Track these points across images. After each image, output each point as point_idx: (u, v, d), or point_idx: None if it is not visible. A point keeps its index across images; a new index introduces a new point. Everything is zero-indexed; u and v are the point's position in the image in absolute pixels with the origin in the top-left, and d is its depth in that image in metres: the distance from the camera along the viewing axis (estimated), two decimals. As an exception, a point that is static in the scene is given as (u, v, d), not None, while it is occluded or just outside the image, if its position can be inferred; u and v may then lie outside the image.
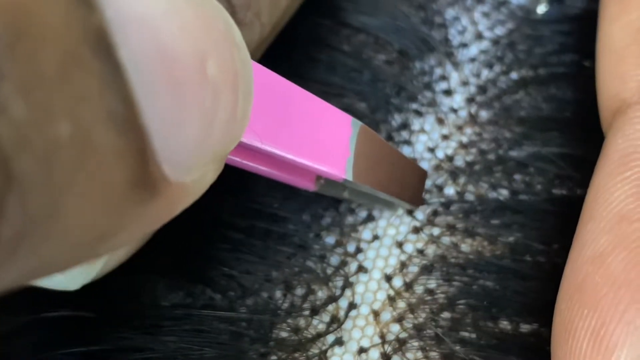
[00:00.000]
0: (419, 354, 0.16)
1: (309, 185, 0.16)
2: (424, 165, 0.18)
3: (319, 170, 0.14)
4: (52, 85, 0.08)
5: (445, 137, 0.19)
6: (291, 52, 0.19)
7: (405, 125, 0.19)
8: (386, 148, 0.16)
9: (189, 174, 0.10)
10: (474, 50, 0.20)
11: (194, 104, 0.10)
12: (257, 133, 0.13)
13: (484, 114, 0.19)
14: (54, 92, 0.08)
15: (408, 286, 0.17)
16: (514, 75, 0.19)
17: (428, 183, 0.18)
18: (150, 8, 0.09)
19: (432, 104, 0.19)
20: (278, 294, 0.17)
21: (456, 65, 0.20)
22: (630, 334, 0.13)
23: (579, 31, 0.20)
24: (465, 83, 0.19)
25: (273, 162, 0.15)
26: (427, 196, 0.18)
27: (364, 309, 0.17)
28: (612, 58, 0.16)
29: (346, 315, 0.17)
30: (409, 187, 0.17)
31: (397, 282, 0.17)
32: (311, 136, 0.14)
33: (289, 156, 0.14)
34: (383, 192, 0.16)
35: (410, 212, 0.18)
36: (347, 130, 0.15)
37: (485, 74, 0.20)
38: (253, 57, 0.17)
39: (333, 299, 0.17)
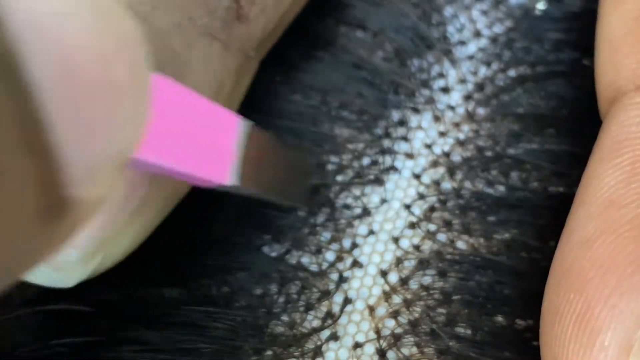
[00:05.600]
0: (414, 350, 0.16)
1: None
2: (421, 161, 0.18)
3: (201, 178, 0.14)
4: None
5: (442, 134, 0.19)
6: (289, 49, 0.19)
7: (402, 122, 0.19)
8: (274, 149, 0.16)
9: (95, 187, 0.10)
10: (472, 48, 0.20)
11: (99, 112, 0.09)
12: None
13: (481, 111, 0.19)
14: None
15: (403, 282, 0.17)
16: (511, 72, 0.19)
17: (426, 179, 0.18)
18: (54, 7, 0.09)
19: (430, 101, 0.19)
20: (273, 289, 0.17)
21: (454, 62, 0.20)
22: (615, 317, 0.13)
23: (577, 29, 0.20)
24: (462, 81, 0.19)
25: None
26: (424, 192, 0.18)
27: (359, 304, 0.17)
28: (608, 48, 0.16)
29: (341, 311, 0.17)
30: (295, 187, 0.17)
31: (393, 277, 0.17)
32: (192, 141, 0.13)
33: (167, 165, 0.13)
34: (268, 195, 0.16)
35: (407, 207, 0.18)
36: (233, 132, 0.14)
37: (483, 71, 0.20)
38: (259, 53, 0.17)
39: (328, 294, 0.17)
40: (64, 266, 0.15)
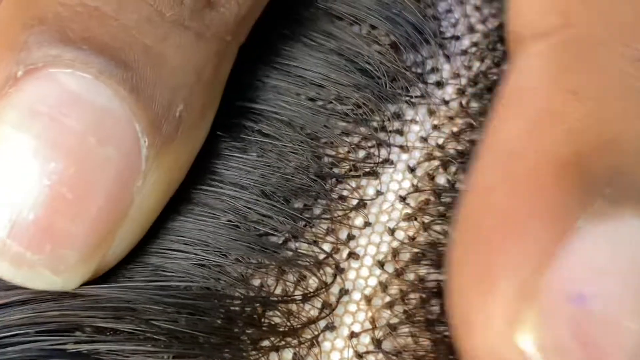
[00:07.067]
0: (410, 340, 0.16)
1: None
2: (416, 154, 0.19)
3: None
4: None
5: (436, 127, 0.19)
6: (285, 42, 0.20)
7: (397, 115, 0.19)
8: None
9: None
10: (466, 42, 0.20)
11: None
12: None
13: (475, 105, 0.19)
14: None
15: (399, 273, 0.17)
16: (505, 67, 0.20)
17: (420, 172, 0.18)
18: None
19: (424, 95, 0.19)
20: (270, 280, 0.17)
21: (448, 57, 0.20)
22: (510, 265, 0.13)
23: None
24: (456, 75, 0.20)
25: None
26: (419, 184, 0.18)
27: (356, 295, 0.17)
28: None
29: (338, 301, 0.17)
30: None
31: (389, 268, 0.17)
32: None
33: None
34: None
35: (402, 199, 0.18)
36: None
37: (477, 66, 0.20)
38: (237, 37, 0.17)
39: (325, 285, 0.17)
40: (63, 269, 0.15)
